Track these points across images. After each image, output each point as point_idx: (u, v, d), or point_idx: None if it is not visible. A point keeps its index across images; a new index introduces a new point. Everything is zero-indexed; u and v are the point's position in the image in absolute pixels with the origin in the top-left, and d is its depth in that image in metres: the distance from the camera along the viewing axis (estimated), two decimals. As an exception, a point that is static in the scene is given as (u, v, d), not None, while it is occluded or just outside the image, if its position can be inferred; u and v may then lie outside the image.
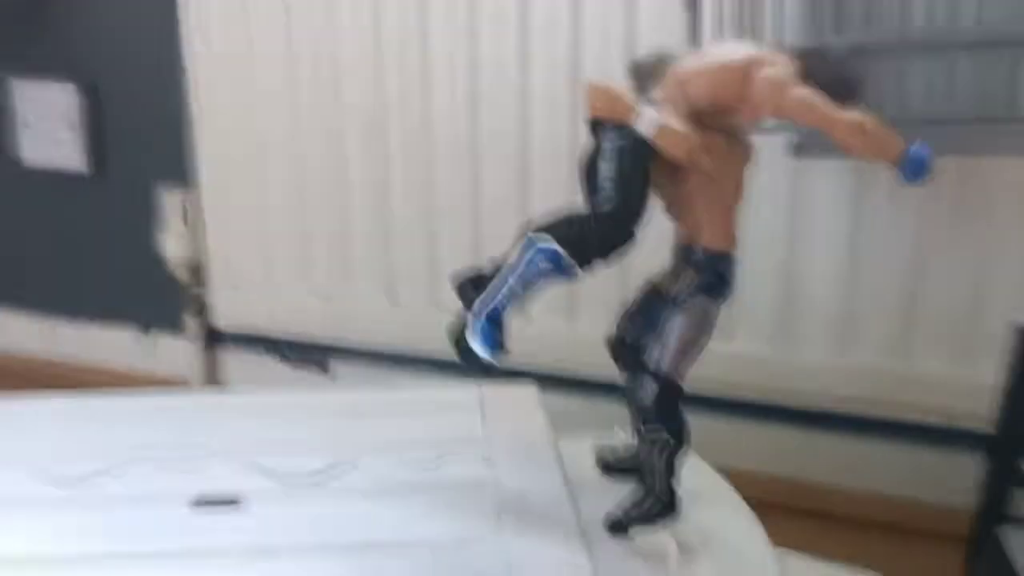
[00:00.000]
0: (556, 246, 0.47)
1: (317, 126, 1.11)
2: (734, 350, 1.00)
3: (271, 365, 1.25)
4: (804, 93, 0.48)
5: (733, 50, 0.51)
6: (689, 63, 0.50)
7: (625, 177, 0.47)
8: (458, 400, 0.60)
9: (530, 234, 0.49)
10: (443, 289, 1.10)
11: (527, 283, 0.48)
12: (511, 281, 0.48)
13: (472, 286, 0.51)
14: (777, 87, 0.48)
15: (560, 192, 1.01)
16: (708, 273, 0.51)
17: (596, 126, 0.49)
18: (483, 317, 0.48)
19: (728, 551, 0.49)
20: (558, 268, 0.48)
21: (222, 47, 1.12)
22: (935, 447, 0.98)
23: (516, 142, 1.02)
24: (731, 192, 0.52)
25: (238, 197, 1.16)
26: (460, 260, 1.07)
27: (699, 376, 1.01)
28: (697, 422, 1.04)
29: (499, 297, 0.48)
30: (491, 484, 0.50)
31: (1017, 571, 0.77)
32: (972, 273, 0.90)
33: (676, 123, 0.48)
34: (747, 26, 0.80)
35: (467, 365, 0.47)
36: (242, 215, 1.17)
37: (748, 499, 1.03)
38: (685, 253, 0.52)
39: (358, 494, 0.50)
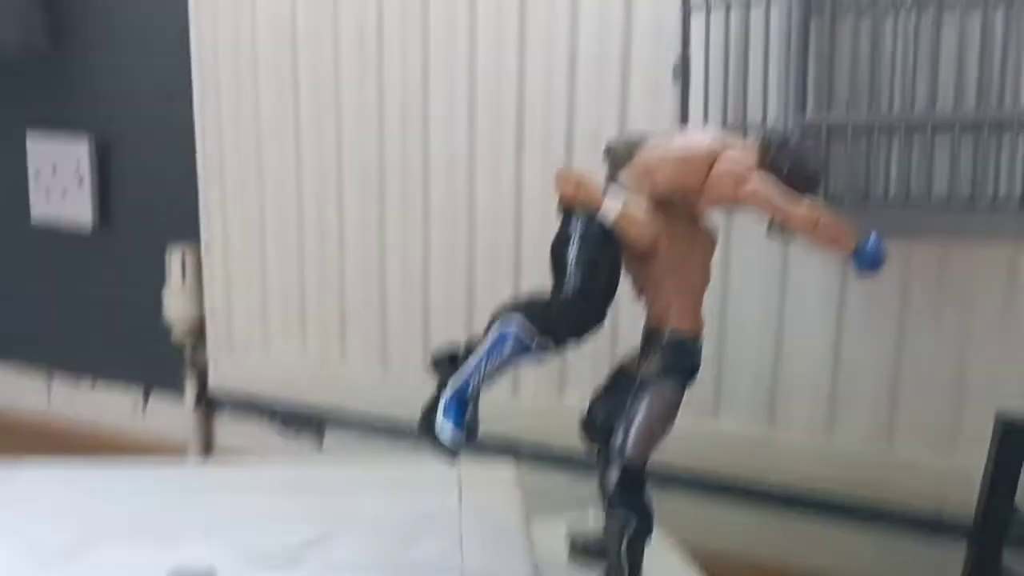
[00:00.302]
0: (518, 321, 0.49)
1: (317, 189, 1.14)
2: (718, 428, 1.00)
3: (265, 431, 1.26)
4: (759, 186, 0.50)
5: (698, 138, 0.53)
6: (656, 150, 0.53)
7: (590, 263, 0.49)
8: (436, 478, 0.61)
9: (499, 314, 0.51)
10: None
11: (495, 363, 0.50)
12: (480, 361, 0.50)
13: (448, 363, 0.53)
14: (733, 179, 0.50)
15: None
16: (675, 356, 0.53)
17: (566, 212, 0.51)
18: (451, 397, 0.49)
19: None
20: (524, 349, 0.49)
21: (231, 108, 1.16)
22: (921, 534, 0.97)
23: (510, 211, 1.05)
24: (697, 276, 0.54)
25: (238, 258, 1.19)
26: (454, 328, 1.11)
27: (682, 454, 1.02)
28: (680, 502, 1.06)
29: (468, 378, 0.50)
30: (459, 569, 0.51)
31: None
32: (955, 359, 0.91)
33: (639, 210, 0.51)
34: (731, 103, 0.83)
35: (432, 447, 0.49)
36: (241, 276, 1.19)
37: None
38: (653, 335, 0.54)
39: (329, 573, 0.50)
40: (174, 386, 1.29)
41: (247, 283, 1.19)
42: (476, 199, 1.06)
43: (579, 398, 1.05)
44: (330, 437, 1.22)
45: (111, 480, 0.61)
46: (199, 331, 1.23)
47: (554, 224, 0.68)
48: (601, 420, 0.56)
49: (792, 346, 0.96)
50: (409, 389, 1.16)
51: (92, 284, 1.32)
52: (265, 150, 1.15)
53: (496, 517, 0.56)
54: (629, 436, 0.50)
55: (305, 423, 1.24)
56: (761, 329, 0.97)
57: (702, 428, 1.01)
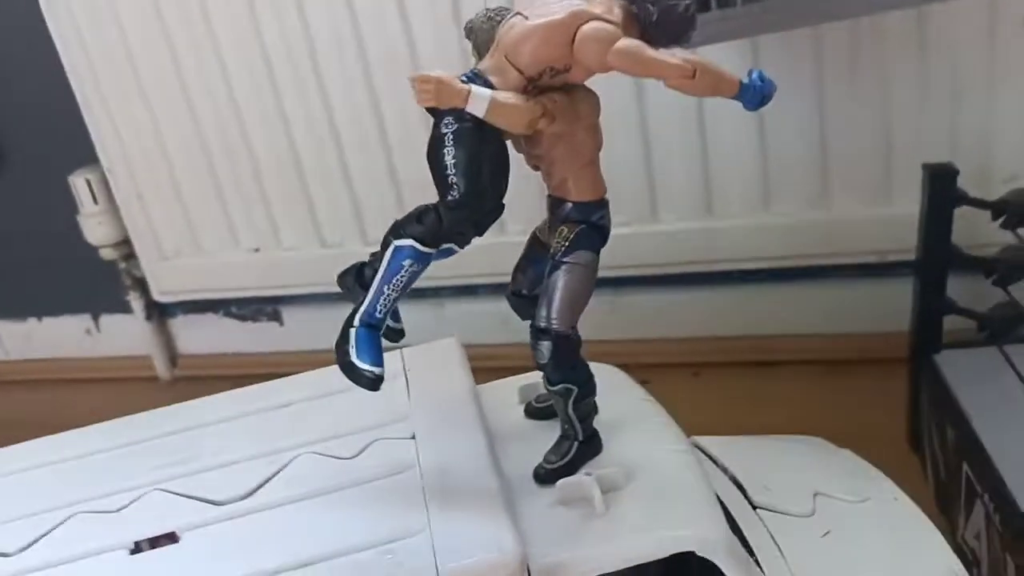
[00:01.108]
0: (411, 242, 0.47)
1: (203, 85, 1.07)
2: (660, 230, 1.01)
3: (225, 327, 1.25)
4: (627, 45, 0.46)
5: (555, 8, 0.48)
6: (516, 27, 0.48)
7: (470, 161, 0.46)
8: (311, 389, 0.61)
9: (392, 232, 0.49)
10: (368, 223, 1.09)
11: (398, 283, 0.48)
12: (380, 286, 0.48)
13: (355, 280, 0.51)
14: (598, 44, 0.46)
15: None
16: (581, 230, 0.51)
17: (433, 113, 0.47)
18: (360, 333, 0.48)
19: (654, 478, 0.51)
20: (419, 261, 0.48)
21: (87, 17, 1.07)
22: (868, 281, 1.01)
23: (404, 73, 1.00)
24: (587, 145, 0.51)
25: (144, 171, 1.14)
26: (378, 191, 1.08)
27: (632, 258, 1.03)
28: (636, 300, 1.08)
29: (373, 306, 0.48)
30: (416, 466, 0.51)
31: (954, 394, 0.81)
32: (878, 117, 0.90)
33: (508, 96, 0.47)
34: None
35: (353, 379, 0.48)
36: (153, 189, 1.14)
37: (704, 363, 1.08)
38: (556, 206, 0.52)
39: (290, 508, 0.51)
40: (122, 306, 1.27)
41: (160, 195, 1.14)
42: (370, 67, 1.01)
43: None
44: (289, 318, 1.22)
45: (55, 455, 0.61)
46: (128, 249, 1.20)
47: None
48: (527, 291, 0.55)
49: (717, 136, 0.95)
50: (352, 258, 1.16)
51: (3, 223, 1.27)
52: (137, 58, 1.07)
53: (446, 402, 0.56)
54: (552, 311, 0.50)
55: (260, 311, 1.23)
56: (683, 126, 0.95)
57: (644, 232, 1.01)
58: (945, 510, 0.82)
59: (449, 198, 0.46)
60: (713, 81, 0.47)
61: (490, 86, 0.47)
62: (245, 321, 1.25)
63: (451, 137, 0.46)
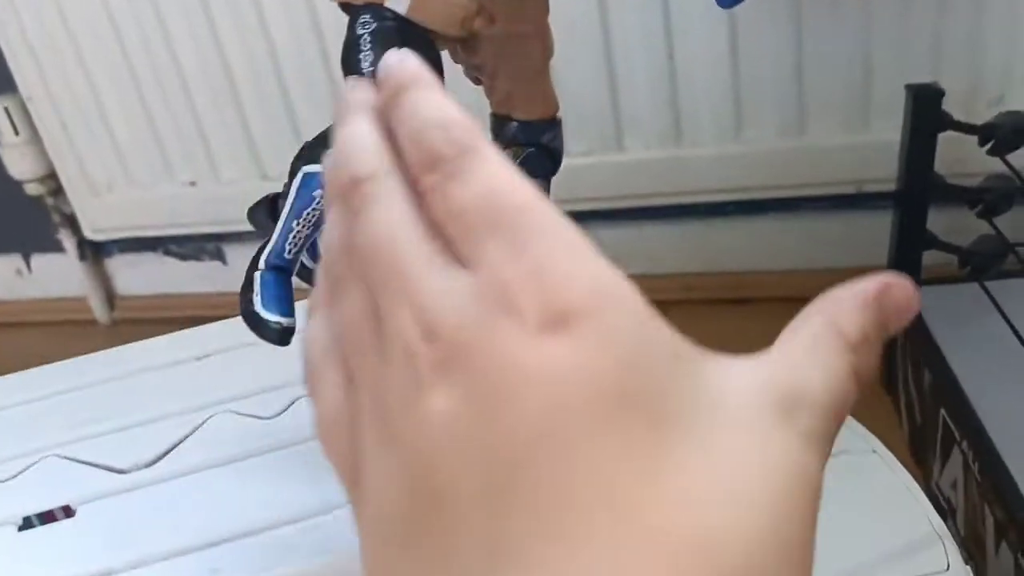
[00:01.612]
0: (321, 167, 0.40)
1: (126, 4, 0.97)
2: (626, 159, 0.94)
3: (163, 264, 1.18)
4: None
5: None
6: None
7: None
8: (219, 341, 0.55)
9: (297, 162, 0.41)
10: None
11: (306, 218, 0.41)
12: (288, 222, 0.41)
13: (267, 214, 0.44)
14: None
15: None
16: (530, 149, 0.44)
17: (348, 9, 0.40)
18: (266, 267, 0.41)
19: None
20: None
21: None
22: (843, 213, 0.95)
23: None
24: (535, 53, 0.43)
25: (68, 100, 1.04)
26: (322, 118, 1.00)
27: (594, 190, 0.97)
28: (599, 236, 1.02)
29: (279, 246, 0.41)
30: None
31: (932, 334, 0.77)
32: (858, 38, 0.83)
33: None
34: None
35: (258, 333, 0.41)
36: (79, 119, 1.05)
37: (672, 301, 1.03)
38: (500, 127, 0.45)
39: (202, 477, 0.45)
40: (53, 245, 1.19)
41: (87, 125, 1.05)
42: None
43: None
44: (232, 256, 1.15)
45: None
46: (55, 184, 1.12)
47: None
48: None
49: (686, 59, 0.88)
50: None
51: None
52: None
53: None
54: None
55: (201, 249, 1.16)
56: (650, 49, 0.88)
57: (607, 162, 0.95)
58: (919, 456, 0.78)
59: None
60: None
61: None
62: (186, 260, 1.17)
63: (368, 39, 0.38)
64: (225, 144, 1.03)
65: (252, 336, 0.54)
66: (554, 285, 0.20)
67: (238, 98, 0.99)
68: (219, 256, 1.16)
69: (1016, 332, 0.68)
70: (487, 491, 0.19)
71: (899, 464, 0.55)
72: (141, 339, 0.60)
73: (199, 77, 0.99)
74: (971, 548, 0.67)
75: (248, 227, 1.11)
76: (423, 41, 0.40)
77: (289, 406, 0.47)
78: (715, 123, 0.91)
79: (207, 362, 0.53)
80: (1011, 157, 0.74)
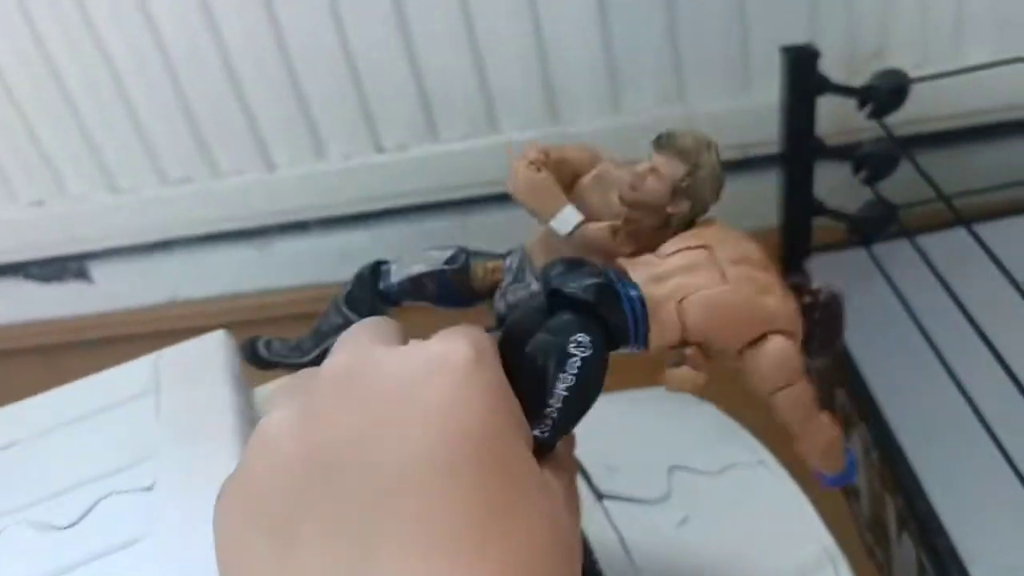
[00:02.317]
0: None
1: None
2: (504, 141, 0.88)
3: (25, 289, 1.09)
4: (801, 393, 0.34)
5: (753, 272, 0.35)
6: (702, 292, 0.34)
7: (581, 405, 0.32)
8: (130, 381, 0.48)
9: None
10: (166, 162, 0.93)
11: None
12: None
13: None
14: (779, 372, 0.34)
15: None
16: None
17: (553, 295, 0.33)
18: None
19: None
20: None
21: None
22: (734, 177, 0.91)
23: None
24: None
25: None
26: (171, 125, 0.92)
27: (477, 175, 0.92)
28: (488, 220, 0.97)
29: None
30: (148, 536, 0.40)
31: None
32: (732, 4, 0.78)
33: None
34: None
35: None
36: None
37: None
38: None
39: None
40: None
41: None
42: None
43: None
44: (98, 274, 1.07)
45: None
46: None
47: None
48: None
49: (554, 30, 0.82)
50: (154, 204, 1.01)
51: None
52: None
53: (203, 424, 0.44)
54: None
55: (64, 270, 1.07)
56: (514, 22, 0.82)
57: (486, 145, 0.89)
58: (823, 433, 0.76)
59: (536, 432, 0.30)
60: (833, 458, 0.36)
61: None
62: (50, 282, 1.08)
63: (579, 364, 0.31)
64: (68, 159, 0.94)
65: (63, 415, 0.48)
66: None
67: (75, 109, 0.90)
68: (84, 275, 1.07)
69: (906, 304, 0.65)
70: None
71: (788, 476, 0.52)
72: (11, 371, 0.52)
73: (30, 86, 0.90)
74: (876, 533, 0.65)
75: (108, 244, 1.03)
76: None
77: (91, 508, 0.41)
78: (591, 96, 0.85)
79: (9, 454, 0.47)
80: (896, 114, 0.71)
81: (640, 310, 0.33)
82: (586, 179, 0.40)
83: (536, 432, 0.30)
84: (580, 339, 0.31)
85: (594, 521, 0.48)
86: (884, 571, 0.64)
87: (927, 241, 0.67)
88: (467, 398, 0.26)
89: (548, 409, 0.30)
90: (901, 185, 0.73)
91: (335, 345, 0.29)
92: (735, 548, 0.47)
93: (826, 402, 0.72)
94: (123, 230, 1.00)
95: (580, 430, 0.54)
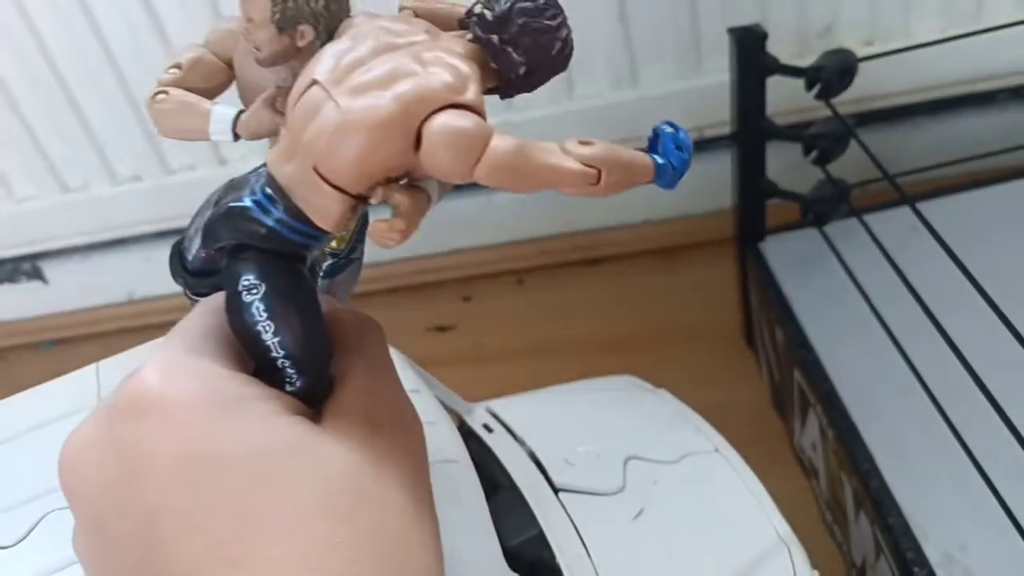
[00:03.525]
0: None
1: None
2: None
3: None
4: (504, 152, 0.26)
5: (377, 70, 0.27)
6: (318, 116, 0.26)
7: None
8: (70, 399, 0.47)
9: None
10: (113, 159, 0.92)
11: None
12: None
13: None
14: (456, 153, 0.26)
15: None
16: None
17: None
18: None
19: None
20: None
21: None
22: (693, 159, 0.91)
23: None
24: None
25: None
26: (118, 121, 0.90)
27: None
28: (447, 208, 0.96)
29: None
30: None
31: (782, 289, 0.74)
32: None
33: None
34: None
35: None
36: None
37: (519, 270, 0.99)
38: None
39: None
40: None
41: None
42: None
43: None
44: (53, 274, 1.05)
45: None
46: None
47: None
48: None
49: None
50: (103, 202, 0.99)
51: None
52: None
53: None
54: None
55: (17, 270, 1.05)
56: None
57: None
58: (781, 413, 0.76)
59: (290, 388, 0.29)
60: (624, 176, 0.29)
61: (292, 214, 0.28)
62: (3, 284, 1.06)
63: (261, 306, 0.29)
64: (13, 159, 0.92)
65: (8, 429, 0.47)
66: None
67: (16, 107, 0.88)
68: (38, 275, 1.05)
69: (858, 285, 0.66)
70: None
71: (743, 463, 0.52)
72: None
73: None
74: (834, 511, 0.66)
75: (61, 243, 1.01)
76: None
77: (35, 525, 0.40)
78: (547, 88, 0.85)
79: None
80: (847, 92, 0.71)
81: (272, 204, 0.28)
82: (235, 64, 0.33)
83: (289, 388, 0.29)
84: (246, 282, 0.29)
85: (551, 515, 0.48)
86: (843, 549, 0.65)
87: (880, 219, 0.67)
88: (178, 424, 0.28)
89: (278, 362, 0.29)
90: (855, 163, 0.74)
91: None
92: (691, 538, 0.48)
93: (786, 384, 0.73)
94: (76, 229, 0.98)
95: (535, 422, 0.54)
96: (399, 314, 0.99)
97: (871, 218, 0.66)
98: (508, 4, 0.29)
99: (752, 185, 0.76)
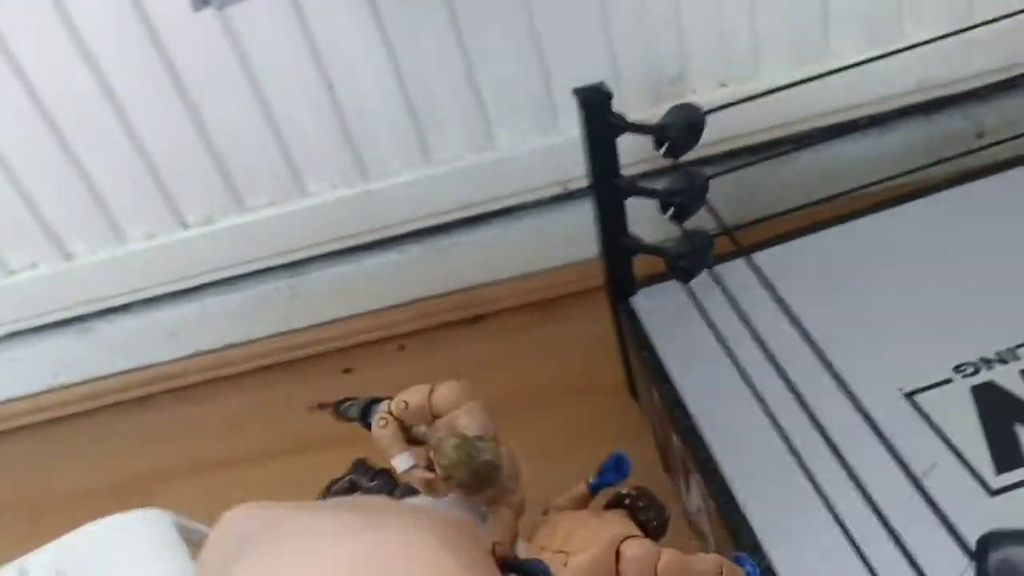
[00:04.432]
0: None
1: None
2: (313, 204, 0.84)
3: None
4: (668, 562, 0.42)
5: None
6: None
7: None
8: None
9: None
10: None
11: None
12: None
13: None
14: (642, 563, 0.42)
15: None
16: None
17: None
18: None
19: None
20: None
21: None
22: (559, 210, 0.90)
23: None
24: None
25: None
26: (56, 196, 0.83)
27: (298, 238, 0.87)
28: (319, 279, 0.92)
29: None
30: None
31: (655, 347, 0.72)
32: (522, 39, 0.76)
33: None
34: None
35: None
36: None
37: (400, 335, 0.95)
38: None
39: None
40: None
41: None
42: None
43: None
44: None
45: None
46: None
47: None
48: None
49: (354, 89, 0.78)
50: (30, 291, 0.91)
51: None
52: None
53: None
54: None
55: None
56: (304, 85, 0.77)
57: (296, 209, 0.84)
58: (669, 472, 0.75)
59: None
60: None
61: None
62: None
63: None
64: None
65: None
66: None
67: None
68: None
69: (719, 335, 0.64)
70: None
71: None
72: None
73: None
74: None
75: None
76: None
77: None
78: (398, 150, 0.82)
79: None
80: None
81: None
82: (439, 422, 0.48)
83: None
84: None
85: None
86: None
87: (736, 266, 0.66)
88: None
89: None
90: (723, 203, 0.72)
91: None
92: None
93: (669, 444, 0.71)
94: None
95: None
96: (276, 391, 0.95)
97: (739, 264, 0.64)
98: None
99: (615, 242, 0.74)
